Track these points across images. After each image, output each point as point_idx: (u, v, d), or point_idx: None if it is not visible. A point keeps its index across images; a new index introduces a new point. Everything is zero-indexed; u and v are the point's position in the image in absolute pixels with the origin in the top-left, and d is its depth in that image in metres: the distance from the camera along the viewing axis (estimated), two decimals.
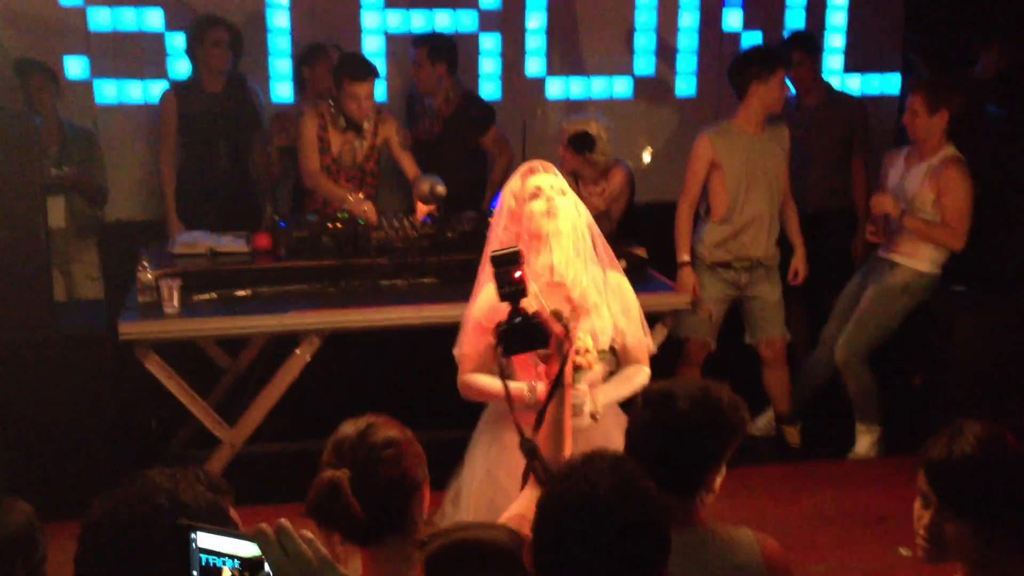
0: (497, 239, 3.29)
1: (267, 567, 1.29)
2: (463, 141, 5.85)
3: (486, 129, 5.87)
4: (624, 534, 1.77)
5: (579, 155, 5.36)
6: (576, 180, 5.36)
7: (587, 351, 3.10)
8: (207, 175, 5.76)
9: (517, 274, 2.30)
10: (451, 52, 5.80)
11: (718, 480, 2.39)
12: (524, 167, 3.33)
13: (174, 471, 1.58)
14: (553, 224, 3.23)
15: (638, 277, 4.66)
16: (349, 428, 2.35)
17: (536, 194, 3.24)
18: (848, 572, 4.33)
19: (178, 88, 5.77)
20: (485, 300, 3.29)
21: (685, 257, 5.27)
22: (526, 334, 2.36)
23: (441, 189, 5.10)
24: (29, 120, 4.63)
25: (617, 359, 3.37)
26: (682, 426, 2.30)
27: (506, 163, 5.82)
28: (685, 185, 5.32)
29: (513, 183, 3.31)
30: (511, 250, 2.40)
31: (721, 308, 5.41)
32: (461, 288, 4.14)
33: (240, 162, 5.87)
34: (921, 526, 2.21)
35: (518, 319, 2.36)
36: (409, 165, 5.51)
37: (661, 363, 3.55)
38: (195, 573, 1.33)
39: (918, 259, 5.27)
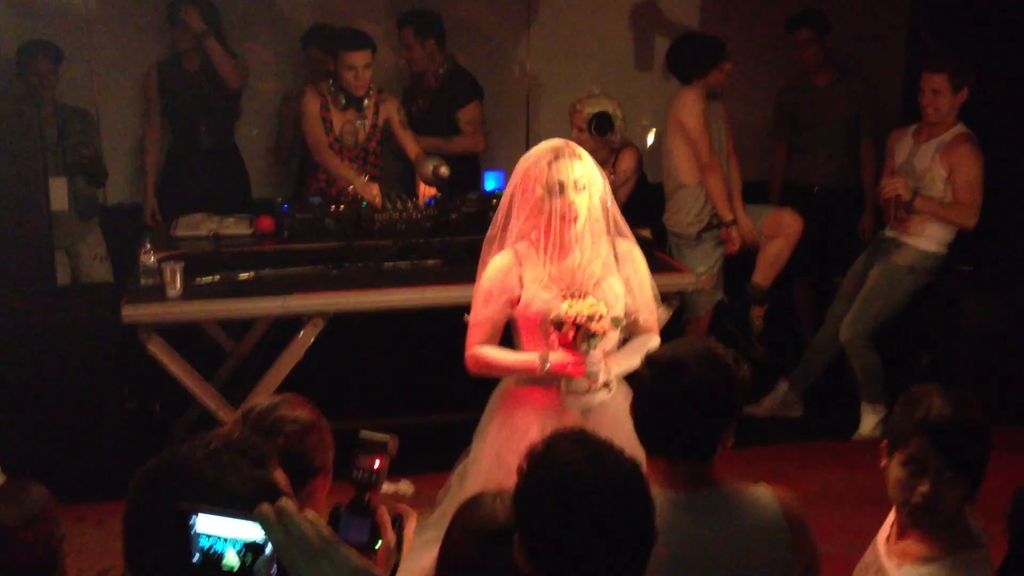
0: (517, 229, 3.22)
1: (269, 548, 1.27)
2: (448, 116, 5.83)
3: (463, 104, 5.82)
4: (609, 502, 1.78)
5: (599, 136, 5.30)
6: None
7: (601, 317, 3.05)
8: (190, 155, 5.75)
9: (376, 464, 2.12)
10: (438, 25, 5.77)
11: (731, 436, 2.38)
12: (547, 149, 3.18)
13: (215, 450, 1.45)
14: (573, 230, 3.17)
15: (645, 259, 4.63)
16: (262, 399, 2.35)
17: (560, 190, 3.12)
18: (855, 552, 4.31)
19: (160, 66, 5.76)
20: (494, 268, 3.26)
21: (729, 216, 5.33)
22: (351, 525, 2.21)
23: (444, 170, 5.08)
24: (29, 105, 4.61)
25: (628, 328, 3.31)
26: (700, 391, 2.29)
27: (468, 145, 5.81)
28: (704, 149, 5.30)
29: (538, 166, 3.16)
30: (381, 438, 2.18)
31: (719, 275, 5.46)
32: (465, 269, 4.13)
33: (225, 140, 5.84)
34: (919, 494, 2.23)
35: (355, 509, 2.22)
36: (411, 145, 5.49)
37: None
38: (197, 556, 1.31)
39: (925, 238, 5.24)
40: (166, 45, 5.79)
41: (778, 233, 5.44)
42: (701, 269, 5.34)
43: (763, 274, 5.54)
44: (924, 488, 2.23)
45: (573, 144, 3.21)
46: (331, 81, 5.41)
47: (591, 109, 5.30)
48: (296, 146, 5.86)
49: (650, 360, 2.38)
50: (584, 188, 3.15)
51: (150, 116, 5.83)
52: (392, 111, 5.52)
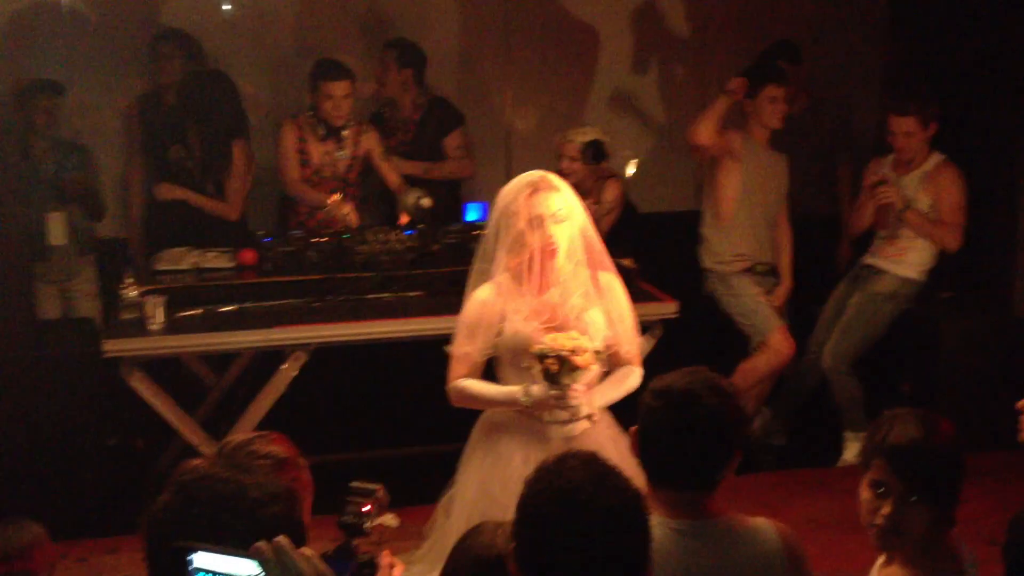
0: (501, 262, 3.24)
1: None
2: (432, 145, 5.85)
3: (449, 131, 5.85)
4: (604, 524, 1.78)
5: (595, 164, 5.34)
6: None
7: (584, 351, 3.06)
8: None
9: (366, 508, 2.12)
10: (420, 59, 5.81)
11: (735, 465, 2.40)
12: (525, 182, 3.21)
13: (237, 465, 1.45)
14: (552, 263, 3.19)
15: (627, 288, 4.64)
16: (239, 435, 2.33)
17: (538, 224, 3.15)
18: None
19: (140, 99, 5.78)
20: (476, 302, 3.28)
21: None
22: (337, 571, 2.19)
23: (427, 201, 5.10)
24: (10, 141, 4.60)
25: (610, 360, 3.32)
26: (713, 421, 2.31)
27: (457, 169, 5.83)
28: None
29: (517, 201, 3.19)
30: (371, 487, 2.18)
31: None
32: (448, 301, 4.13)
33: (210, 171, 5.73)
34: (881, 516, 2.23)
35: (341, 555, 2.22)
36: (392, 176, 5.51)
37: (652, 372, 3.52)
38: None
39: (905, 265, 5.28)
40: (148, 79, 5.79)
41: (766, 350, 5.42)
42: (755, 291, 5.38)
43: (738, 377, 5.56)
44: (886, 510, 2.23)
45: (551, 176, 3.24)
46: (310, 112, 5.42)
47: (583, 138, 5.35)
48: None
49: (660, 392, 2.37)
50: (563, 220, 3.18)
51: (132, 150, 5.82)
52: (373, 143, 5.53)
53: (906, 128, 5.13)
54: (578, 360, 3.03)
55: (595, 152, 5.34)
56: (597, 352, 3.14)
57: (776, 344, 5.37)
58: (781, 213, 5.47)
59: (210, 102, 5.37)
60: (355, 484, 2.16)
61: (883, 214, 5.25)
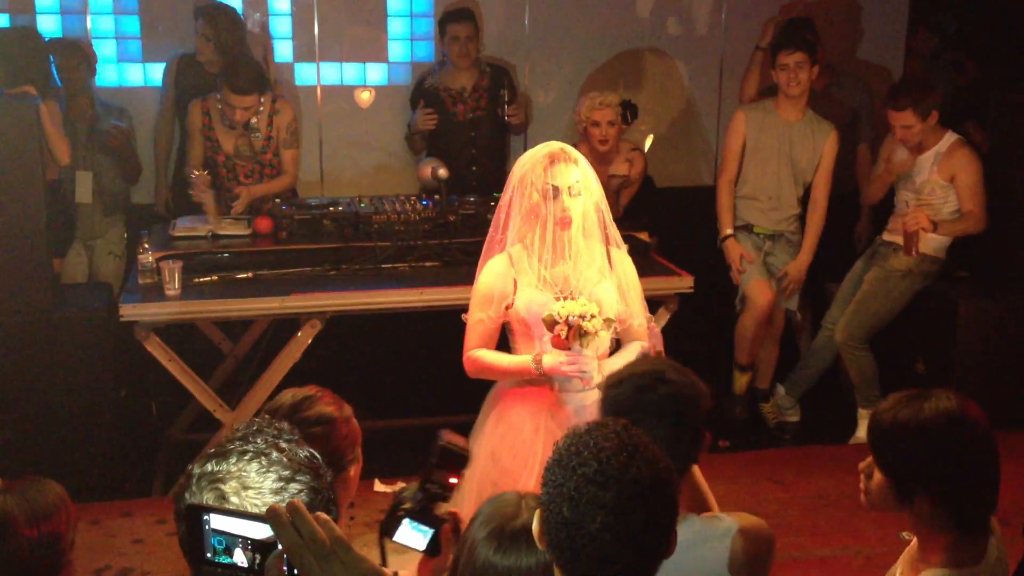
0: (515, 232, 3.24)
1: (279, 547, 1.27)
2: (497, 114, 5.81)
3: (511, 101, 5.79)
4: (626, 494, 1.76)
5: (627, 125, 5.50)
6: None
7: (593, 316, 3.05)
8: None
9: (453, 480, 2.18)
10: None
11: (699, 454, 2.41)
12: (543, 154, 3.19)
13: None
14: (566, 233, 3.18)
15: (642, 262, 4.64)
16: (287, 397, 2.39)
17: (554, 195, 3.14)
18: (850, 556, 4.33)
19: (181, 59, 5.75)
20: (489, 272, 3.29)
21: (728, 230, 5.42)
22: (412, 531, 2.20)
23: (443, 172, 5.09)
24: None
25: (621, 335, 3.33)
26: (682, 402, 2.32)
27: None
28: (723, 160, 5.49)
29: (534, 171, 3.17)
30: (464, 452, 2.25)
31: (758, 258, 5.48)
32: (463, 271, 4.14)
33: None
34: (863, 476, 2.25)
35: (422, 519, 2.21)
36: (290, 168, 5.38)
37: (667, 345, 3.52)
38: (209, 555, 1.32)
39: (922, 243, 5.25)
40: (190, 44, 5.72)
41: (748, 305, 5.45)
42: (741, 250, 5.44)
43: (763, 378, 5.68)
44: (862, 484, 2.26)
45: (569, 148, 3.23)
46: (219, 95, 5.22)
47: (615, 100, 5.39)
48: None
49: (624, 377, 2.38)
50: (579, 193, 3.17)
51: (164, 108, 5.80)
52: (283, 124, 5.34)
53: (903, 122, 5.13)
54: (588, 326, 3.03)
55: (633, 112, 5.48)
56: (608, 320, 3.14)
57: (752, 295, 5.40)
58: (818, 188, 5.41)
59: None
60: (447, 444, 2.23)
61: (909, 240, 5.21)
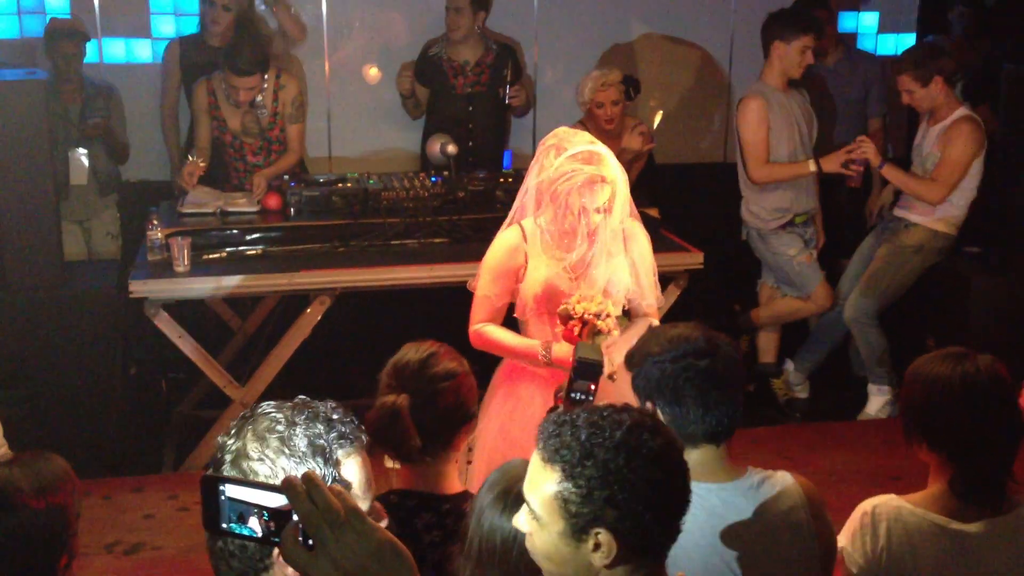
0: (531, 209, 3.23)
1: (295, 516, 1.28)
2: (497, 92, 5.76)
3: (514, 81, 5.76)
4: (653, 465, 1.77)
5: (631, 101, 5.49)
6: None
7: (608, 315, 3.03)
8: None
9: (593, 387, 2.42)
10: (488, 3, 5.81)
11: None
12: (583, 178, 3.08)
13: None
14: (585, 221, 3.14)
15: (652, 238, 4.61)
16: (411, 353, 2.52)
17: (584, 214, 3.10)
18: None
19: (183, 40, 5.73)
20: (500, 245, 3.27)
21: (810, 165, 5.20)
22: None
23: (452, 148, 5.08)
24: (36, 82, 4.59)
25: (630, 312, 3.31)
26: (732, 369, 2.35)
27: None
28: (755, 151, 5.21)
29: (570, 180, 3.07)
30: (599, 362, 2.51)
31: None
32: (472, 248, 4.13)
33: None
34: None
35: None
36: (294, 146, 5.40)
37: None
38: (225, 525, 1.32)
39: (934, 219, 5.23)
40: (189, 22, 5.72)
41: (810, 300, 5.45)
42: (792, 252, 5.35)
43: (762, 315, 5.61)
44: None
45: (605, 161, 3.12)
46: (223, 75, 5.21)
47: (617, 77, 5.37)
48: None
49: (676, 341, 2.35)
50: (607, 212, 3.14)
51: (168, 90, 5.76)
52: (288, 98, 5.33)
53: (905, 86, 5.10)
54: (602, 325, 3.01)
55: (636, 87, 5.46)
56: (620, 318, 3.12)
57: (818, 298, 5.41)
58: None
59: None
60: (583, 356, 2.54)
61: (853, 170, 5.15)
